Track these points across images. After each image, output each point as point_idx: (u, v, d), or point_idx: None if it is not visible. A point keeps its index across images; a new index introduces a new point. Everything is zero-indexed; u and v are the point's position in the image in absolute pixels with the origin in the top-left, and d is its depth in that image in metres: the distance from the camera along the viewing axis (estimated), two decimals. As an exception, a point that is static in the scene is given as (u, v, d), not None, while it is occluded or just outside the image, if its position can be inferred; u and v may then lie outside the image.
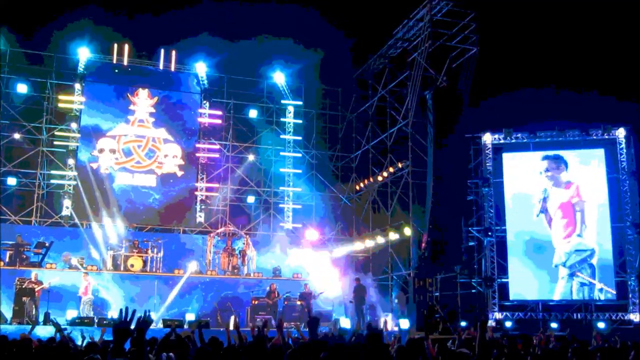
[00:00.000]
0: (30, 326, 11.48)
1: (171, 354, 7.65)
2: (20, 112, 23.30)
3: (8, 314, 17.13)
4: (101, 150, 23.78)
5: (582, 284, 21.93)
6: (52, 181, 23.29)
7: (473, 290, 23.00)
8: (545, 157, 22.99)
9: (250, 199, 25.49)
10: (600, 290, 21.72)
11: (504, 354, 6.79)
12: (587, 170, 22.79)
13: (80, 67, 23.84)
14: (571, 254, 22.10)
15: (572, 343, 9.19)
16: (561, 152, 23.07)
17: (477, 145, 23.71)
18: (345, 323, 17.78)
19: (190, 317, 18.19)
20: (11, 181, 22.55)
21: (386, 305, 22.21)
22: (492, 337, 9.01)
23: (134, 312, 4.77)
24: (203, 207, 24.82)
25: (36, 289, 17.39)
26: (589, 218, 22.30)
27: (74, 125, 23.40)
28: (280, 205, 26.06)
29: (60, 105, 23.60)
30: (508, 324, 21.98)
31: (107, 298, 19.12)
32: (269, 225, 25.65)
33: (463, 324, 20.27)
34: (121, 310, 4.74)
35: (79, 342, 9.03)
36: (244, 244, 22.48)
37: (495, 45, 22.26)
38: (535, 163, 23.14)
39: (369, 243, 24.24)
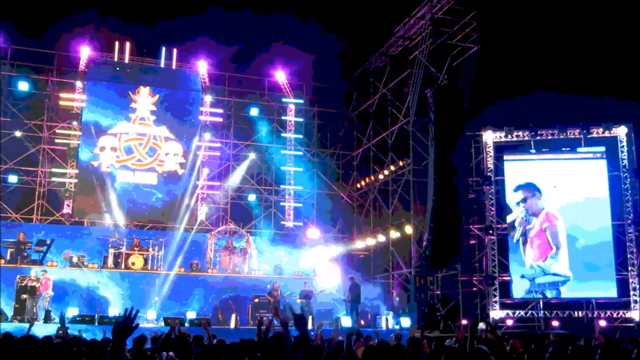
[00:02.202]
0: (28, 324, 11.48)
1: (171, 353, 7.65)
2: (21, 110, 23.32)
3: (9, 312, 17.14)
4: (102, 148, 23.79)
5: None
6: (53, 179, 23.31)
7: (474, 289, 23.00)
8: (519, 187, 23.07)
9: (251, 197, 25.50)
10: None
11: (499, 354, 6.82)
12: (588, 169, 22.77)
13: (82, 64, 23.85)
14: (547, 274, 22.27)
15: (575, 341, 9.20)
16: (564, 154, 23.15)
17: (478, 143, 23.69)
18: (346, 322, 17.78)
19: (191, 315, 18.21)
20: (12, 179, 22.59)
21: (387, 303, 22.22)
22: (492, 338, 8.99)
23: (137, 312, 4.76)
24: (204, 205, 24.81)
25: (37, 287, 17.39)
26: (562, 240, 22.43)
27: (75, 123, 23.41)
28: (282, 204, 26.06)
29: (62, 103, 23.63)
30: (509, 322, 22.01)
31: (108, 296, 19.12)
32: (270, 223, 25.68)
33: (464, 322, 20.30)
34: (126, 309, 4.73)
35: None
36: (244, 242, 22.48)
37: (496, 44, 22.24)
38: (537, 162, 23.18)
39: (370, 241, 24.26)
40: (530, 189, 22.92)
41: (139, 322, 4.87)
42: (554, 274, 22.21)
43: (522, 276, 22.43)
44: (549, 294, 22.19)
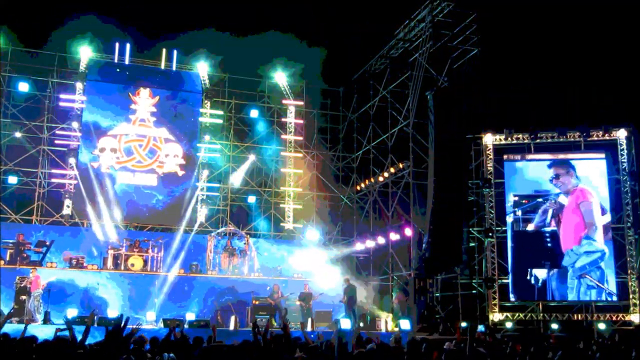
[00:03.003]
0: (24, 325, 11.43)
1: (172, 354, 7.66)
2: (21, 111, 23.32)
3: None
4: (102, 150, 23.80)
5: (590, 287, 21.87)
6: (53, 180, 23.30)
7: (474, 291, 22.98)
8: (553, 164, 22.86)
9: (251, 199, 25.50)
10: (609, 294, 21.64)
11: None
12: (588, 172, 22.76)
13: (82, 65, 23.86)
14: (581, 256, 22.04)
15: (577, 343, 9.21)
16: (564, 155, 23.06)
17: (478, 146, 23.70)
18: (345, 324, 17.77)
19: (190, 316, 18.20)
20: (12, 180, 22.59)
21: (386, 305, 22.23)
22: (490, 341, 9.00)
23: (127, 319, 4.83)
24: (203, 206, 24.80)
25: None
26: (597, 219, 22.23)
27: (75, 124, 23.41)
28: (281, 205, 26.06)
29: (62, 104, 23.62)
30: (508, 324, 21.99)
31: (107, 297, 19.10)
32: (269, 225, 25.67)
33: (463, 324, 20.30)
34: (121, 315, 4.79)
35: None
36: (244, 243, 22.47)
37: (497, 46, 22.24)
38: (537, 166, 23.13)
39: (369, 243, 24.25)
40: (564, 165, 22.69)
41: (131, 329, 4.93)
42: (588, 252, 21.87)
43: (559, 266, 22.08)
44: (595, 276, 21.75)
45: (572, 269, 21.99)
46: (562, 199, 22.61)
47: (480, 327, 18.52)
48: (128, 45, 24.37)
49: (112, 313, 17.63)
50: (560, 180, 22.64)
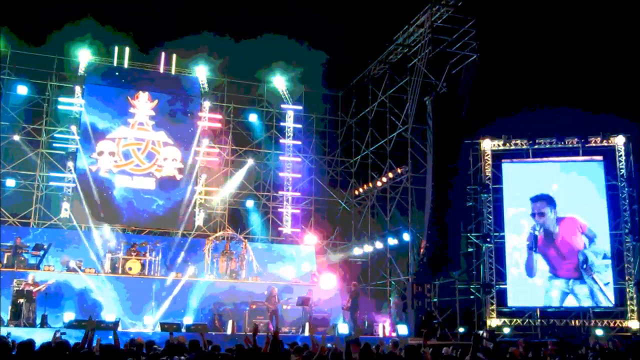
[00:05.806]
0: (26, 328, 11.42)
1: (182, 358, 7.65)
2: (20, 114, 23.31)
3: (6, 316, 17.06)
4: (100, 153, 23.77)
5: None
6: (51, 183, 23.28)
7: (471, 297, 22.99)
8: (536, 199, 22.77)
9: (249, 203, 25.48)
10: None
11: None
12: (586, 178, 22.80)
13: (81, 69, 23.85)
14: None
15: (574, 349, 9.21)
16: (558, 158, 23.10)
17: (476, 151, 23.74)
18: (343, 329, 17.75)
19: (188, 321, 18.15)
20: (10, 183, 22.54)
21: (384, 310, 22.20)
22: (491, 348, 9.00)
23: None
24: (201, 210, 24.77)
25: (33, 291, 17.30)
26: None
27: (73, 128, 23.39)
28: (279, 210, 26.04)
29: (60, 107, 23.59)
30: (506, 330, 21.99)
31: (104, 301, 19.03)
32: (267, 229, 25.64)
33: (461, 330, 20.32)
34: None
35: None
36: (242, 247, 22.44)
37: (496, 52, 22.27)
38: (534, 170, 23.16)
39: (367, 248, 24.24)
40: (548, 203, 22.55)
41: None
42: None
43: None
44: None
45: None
46: (546, 233, 22.66)
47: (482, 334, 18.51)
48: (127, 49, 24.37)
49: (108, 317, 17.57)
50: (544, 218, 22.58)
